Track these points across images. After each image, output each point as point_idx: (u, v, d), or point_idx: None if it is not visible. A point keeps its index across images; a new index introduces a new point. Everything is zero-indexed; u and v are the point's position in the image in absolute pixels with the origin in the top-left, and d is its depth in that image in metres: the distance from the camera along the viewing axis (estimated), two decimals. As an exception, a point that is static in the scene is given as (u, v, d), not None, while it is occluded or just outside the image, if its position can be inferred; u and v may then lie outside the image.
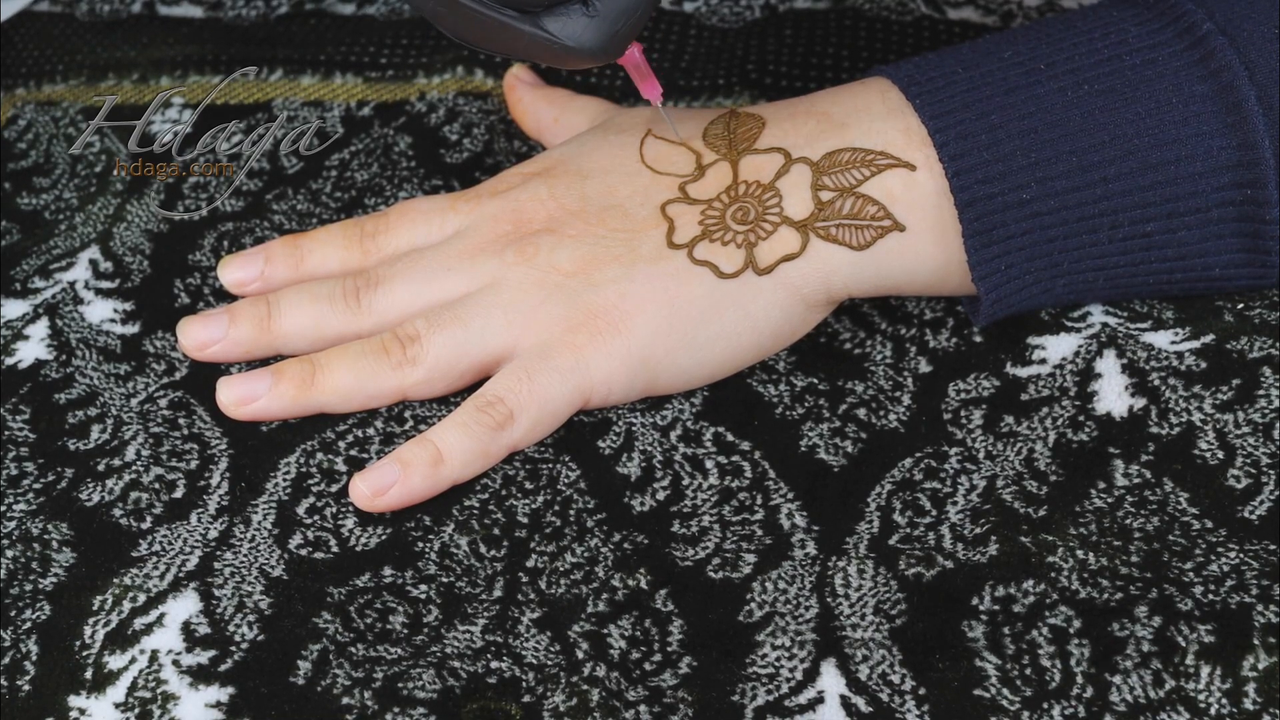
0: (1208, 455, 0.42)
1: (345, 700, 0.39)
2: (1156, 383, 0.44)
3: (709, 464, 0.45)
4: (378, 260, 0.49)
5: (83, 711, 0.40)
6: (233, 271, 0.50)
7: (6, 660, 0.41)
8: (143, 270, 0.52)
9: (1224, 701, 0.37)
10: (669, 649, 0.40)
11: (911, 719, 0.38)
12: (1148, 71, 0.43)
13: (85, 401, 0.48)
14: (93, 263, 0.53)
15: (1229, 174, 0.43)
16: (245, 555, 0.43)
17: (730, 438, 0.45)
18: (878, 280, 0.45)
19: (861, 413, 0.46)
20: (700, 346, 0.45)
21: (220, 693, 0.40)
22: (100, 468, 0.46)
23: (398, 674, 0.40)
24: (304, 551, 0.43)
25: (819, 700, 0.39)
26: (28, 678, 0.41)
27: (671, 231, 0.46)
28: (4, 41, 0.63)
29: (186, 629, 0.41)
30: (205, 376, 0.48)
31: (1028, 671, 0.39)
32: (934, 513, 0.43)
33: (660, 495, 0.44)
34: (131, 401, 0.48)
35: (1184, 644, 0.38)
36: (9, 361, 0.49)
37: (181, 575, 0.43)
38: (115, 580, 0.43)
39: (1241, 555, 0.40)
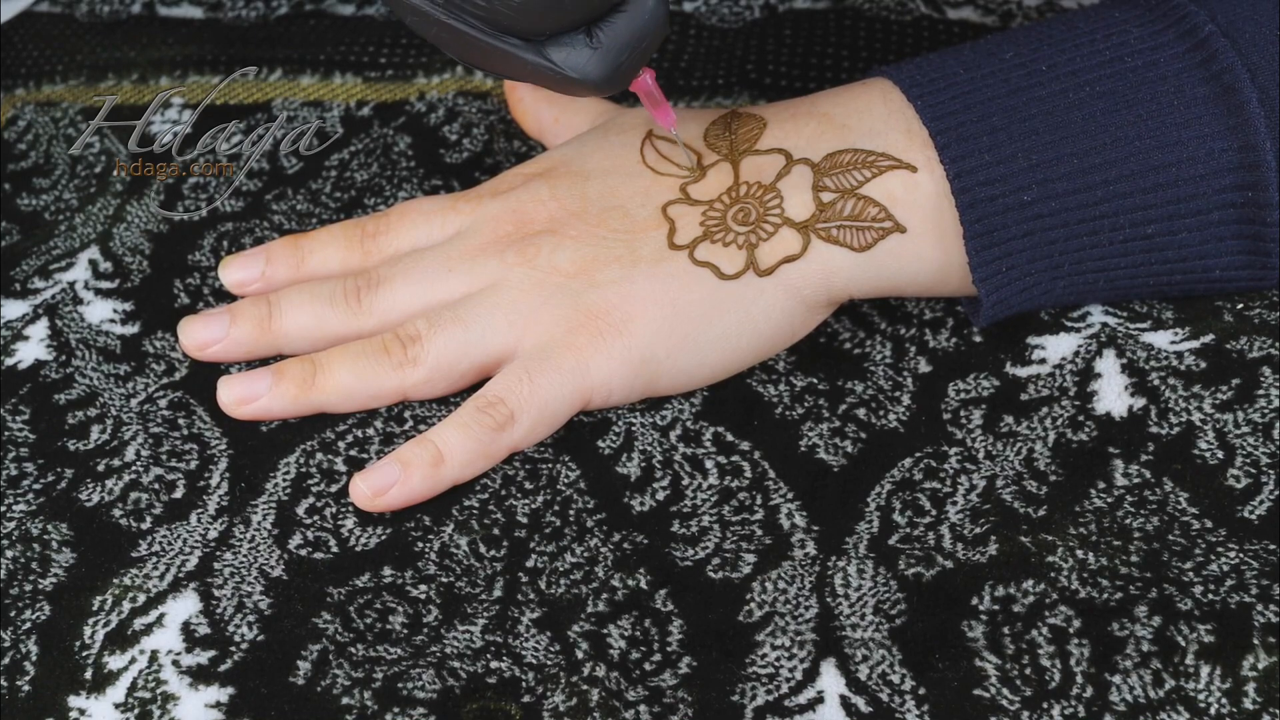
0: (1207, 455, 0.42)
1: (345, 700, 0.39)
2: (1156, 383, 0.44)
3: (709, 464, 0.45)
4: (379, 260, 0.49)
5: (83, 712, 0.40)
6: (234, 272, 0.50)
7: (6, 660, 0.41)
8: (142, 270, 0.52)
9: (1224, 701, 0.37)
10: (669, 649, 0.40)
11: (911, 719, 0.38)
12: (1149, 73, 0.43)
13: (85, 402, 0.48)
14: (92, 263, 0.53)
15: (1230, 176, 0.43)
16: (245, 555, 0.43)
17: (730, 438, 0.45)
18: (878, 282, 0.45)
19: (861, 413, 0.46)
20: (701, 347, 0.45)
21: (220, 693, 0.40)
22: (100, 468, 0.46)
23: (398, 674, 0.40)
24: (304, 551, 0.43)
25: (819, 700, 0.39)
26: (28, 678, 0.41)
27: (673, 232, 0.46)
28: (4, 42, 0.63)
29: (186, 629, 0.41)
30: (205, 377, 0.48)
31: (1028, 671, 0.39)
32: (934, 513, 0.43)
33: (660, 495, 0.44)
34: (131, 402, 0.48)
35: (1184, 644, 0.38)
36: (9, 362, 0.49)
37: (181, 575, 0.43)
38: (115, 580, 0.43)
39: (1241, 555, 0.40)
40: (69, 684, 0.40)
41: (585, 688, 0.39)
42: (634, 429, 0.46)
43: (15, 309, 0.51)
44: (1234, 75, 0.43)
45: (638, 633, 0.41)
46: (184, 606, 0.42)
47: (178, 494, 0.45)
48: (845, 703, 0.39)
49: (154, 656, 0.41)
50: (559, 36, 0.41)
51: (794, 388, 0.46)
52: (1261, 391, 0.43)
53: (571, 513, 0.44)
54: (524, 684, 0.40)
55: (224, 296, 0.51)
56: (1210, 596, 0.39)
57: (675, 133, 0.47)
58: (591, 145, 0.49)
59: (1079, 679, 0.38)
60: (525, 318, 0.45)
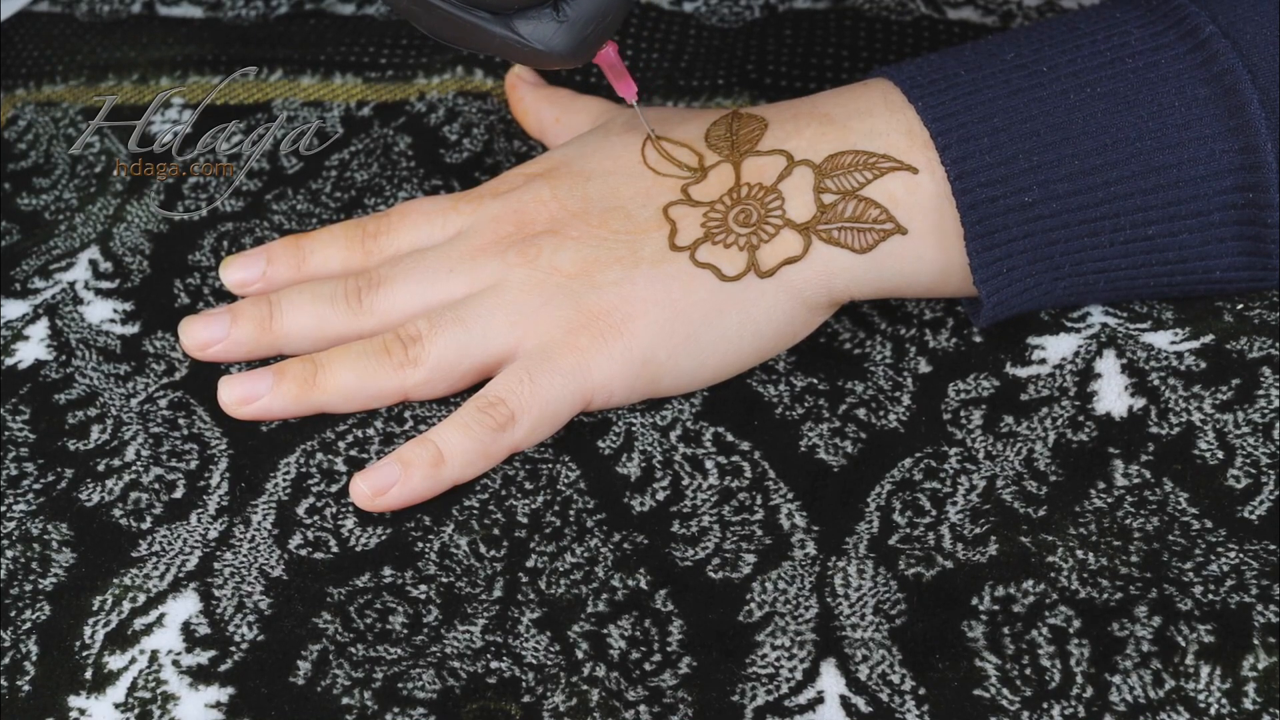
0: (1207, 455, 0.42)
1: (345, 700, 0.39)
2: (1156, 383, 0.44)
3: (709, 464, 0.45)
4: (379, 261, 0.49)
5: (83, 712, 0.40)
6: (235, 272, 0.50)
7: (6, 660, 0.41)
8: (142, 270, 0.52)
9: (1224, 701, 0.37)
10: (669, 649, 0.40)
11: (911, 719, 0.38)
12: (1150, 74, 0.43)
13: (85, 402, 0.48)
14: (92, 263, 0.53)
15: (1231, 177, 0.43)
16: (245, 555, 0.43)
17: (730, 438, 0.45)
18: (879, 283, 0.45)
19: (861, 413, 0.46)
20: (702, 349, 0.45)
21: (220, 693, 0.40)
22: (100, 468, 0.46)
23: (398, 674, 0.40)
24: (304, 551, 0.43)
25: (819, 700, 0.39)
26: (28, 678, 0.41)
27: (674, 234, 0.46)
28: (4, 41, 0.63)
29: (186, 629, 0.41)
30: (205, 377, 0.48)
31: (1028, 671, 0.39)
32: (934, 513, 0.43)
33: (660, 495, 0.44)
34: (131, 401, 0.48)
35: (1184, 644, 0.38)
36: (9, 361, 0.49)
37: (181, 575, 0.43)
38: (115, 580, 0.43)
39: (1241, 555, 0.40)
40: (69, 684, 0.40)
41: (585, 688, 0.39)
42: (634, 429, 0.46)
43: (15, 309, 0.51)
44: (1235, 76, 0.43)
45: (638, 633, 0.41)
46: (184, 606, 0.42)
47: (178, 494, 0.45)
48: (845, 703, 0.39)
49: (154, 656, 0.41)
50: (526, 10, 0.42)
51: (794, 388, 0.46)
52: (1261, 392, 0.43)
53: (571, 513, 0.44)
54: (524, 684, 0.40)
55: (224, 296, 0.51)
56: (1210, 597, 0.39)
57: (637, 105, 0.48)
58: (592, 146, 0.49)
59: (1079, 679, 0.38)
60: (526, 318, 0.45)
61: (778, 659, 0.40)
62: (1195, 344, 0.45)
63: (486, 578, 0.42)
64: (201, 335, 0.48)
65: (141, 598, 0.42)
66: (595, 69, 0.58)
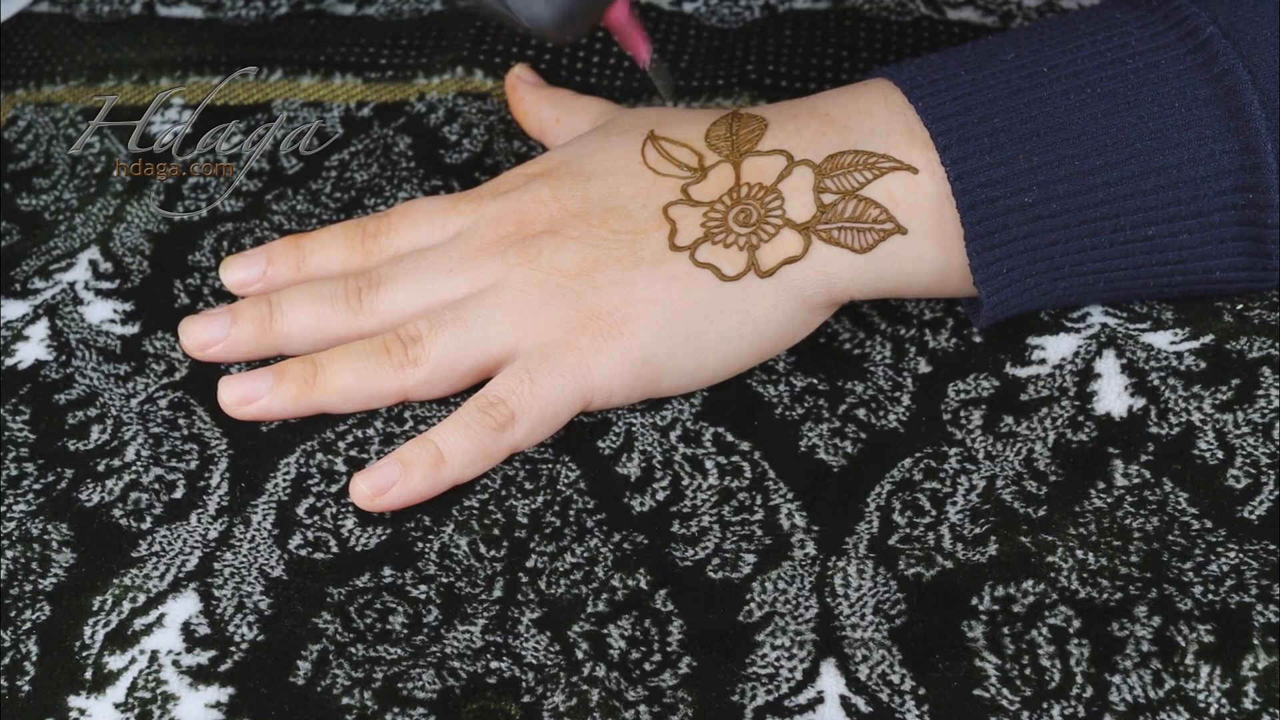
0: (1207, 455, 0.42)
1: (345, 700, 0.39)
2: (1156, 383, 0.44)
3: (709, 464, 0.45)
4: (380, 261, 0.49)
5: (83, 712, 0.40)
6: (235, 272, 0.50)
7: (6, 660, 0.41)
8: (142, 271, 0.52)
9: (1224, 701, 0.37)
10: (669, 649, 0.40)
11: (911, 719, 0.38)
12: (1150, 75, 0.43)
13: (85, 402, 0.48)
14: (92, 263, 0.53)
15: (1231, 178, 0.43)
16: (245, 555, 0.43)
17: (730, 438, 0.45)
18: (879, 283, 0.45)
19: (861, 413, 0.46)
20: (702, 349, 0.45)
21: (220, 693, 0.40)
22: (100, 468, 0.46)
23: (398, 674, 0.40)
24: (304, 552, 0.43)
25: (819, 700, 0.39)
26: (28, 678, 0.41)
27: (674, 233, 0.46)
28: (4, 42, 0.64)
29: (186, 629, 0.41)
30: (205, 377, 0.48)
31: (1027, 671, 0.39)
32: (934, 513, 0.43)
33: (660, 495, 0.44)
34: (131, 402, 0.48)
35: (1184, 644, 0.38)
36: (9, 362, 0.49)
37: (181, 575, 0.43)
38: (115, 580, 0.43)
39: (1241, 555, 0.40)
40: (69, 684, 0.40)
41: (585, 688, 0.39)
42: (634, 429, 0.46)
43: (15, 309, 0.51)
44: (1235, 77, 0.43)
45: (638, 633, 0.41)
46: (184, 606, 0.42)
47: (178, 494, 0.45)
48: (845, 703, 0.39)
49: (154, 656, 0.41)
50: None
51: (794, 388, 0.46)
52: (1261, 392, 0.43)
53: (571, 513, 0.44)
54: (524, 684, 0.40)
55: (224, 296, 0.51)
56: (1210, 596, 0.39)
57: (650, 69, 0.48)
58: (593, 146, 0.49)
59: (1079, 679, 0.38)
60: (526, 318, 0.45)
61: (778, 659, 0.40)
62: (1195, 344, 0.45)
63: (486, 578, 0.42)
64: (201, 335, 0.48)
65: (141, 598, 0.42)
66: (595, 69, 0.58)
